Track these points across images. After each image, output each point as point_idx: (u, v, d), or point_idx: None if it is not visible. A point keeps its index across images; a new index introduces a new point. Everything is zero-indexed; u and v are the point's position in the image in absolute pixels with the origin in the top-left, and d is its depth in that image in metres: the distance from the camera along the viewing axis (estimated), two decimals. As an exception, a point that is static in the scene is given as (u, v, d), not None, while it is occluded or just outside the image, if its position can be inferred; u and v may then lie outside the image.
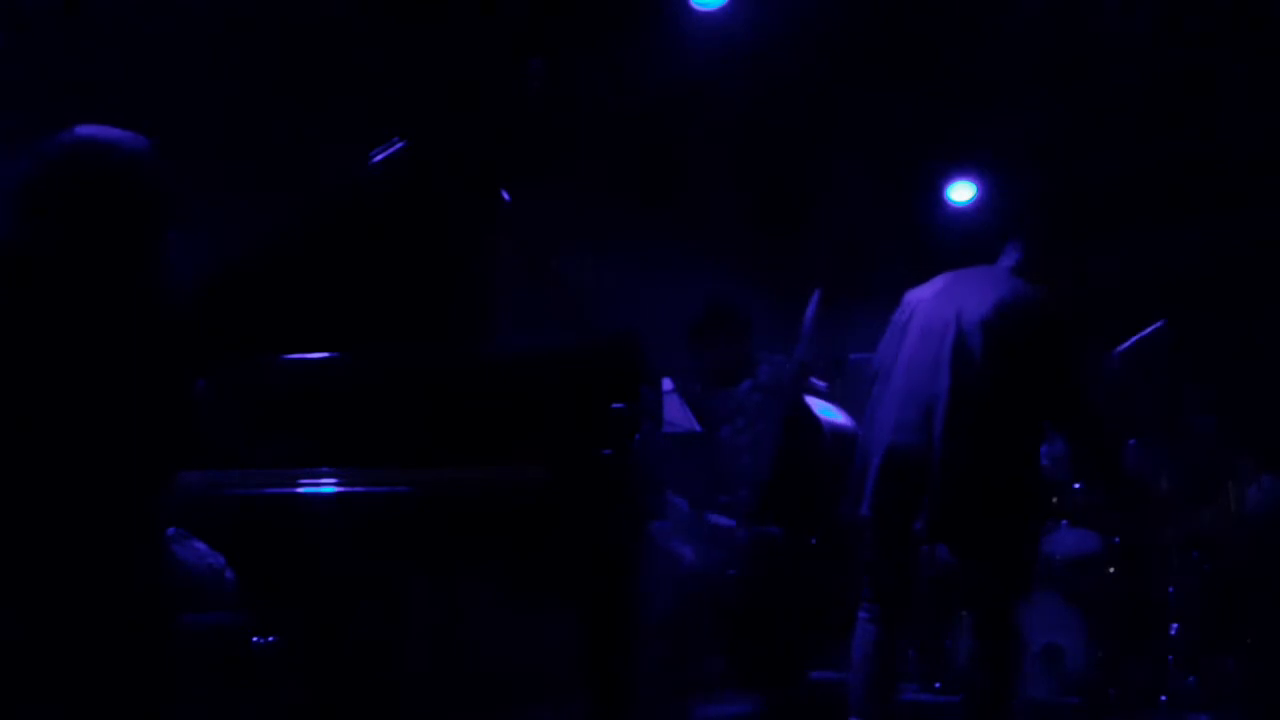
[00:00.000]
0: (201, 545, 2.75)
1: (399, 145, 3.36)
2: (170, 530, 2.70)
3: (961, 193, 7.11)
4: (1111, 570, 5.55)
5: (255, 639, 2.74)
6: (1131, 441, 5.66)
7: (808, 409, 5.29)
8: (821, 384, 5.04)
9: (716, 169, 6.73)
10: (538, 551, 3.06)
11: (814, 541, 4.88)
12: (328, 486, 3.01)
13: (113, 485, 2.34)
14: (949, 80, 6.22)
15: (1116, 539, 5.60)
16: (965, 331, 3.78)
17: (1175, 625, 5.21)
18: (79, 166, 2.46)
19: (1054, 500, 5.67)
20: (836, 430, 4.88)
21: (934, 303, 3.96)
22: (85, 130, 2.51)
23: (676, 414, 4.55)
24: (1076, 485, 5.76)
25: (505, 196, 3.39)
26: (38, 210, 2.42)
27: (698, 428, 4.63)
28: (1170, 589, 5.29)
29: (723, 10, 5.70)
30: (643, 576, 3.09)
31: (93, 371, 2.34)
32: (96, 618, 2.28)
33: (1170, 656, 5.18)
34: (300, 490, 3.01)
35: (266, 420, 3.07)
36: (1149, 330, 5.27)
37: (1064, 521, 5.71)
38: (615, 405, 2.95)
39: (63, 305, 2.37)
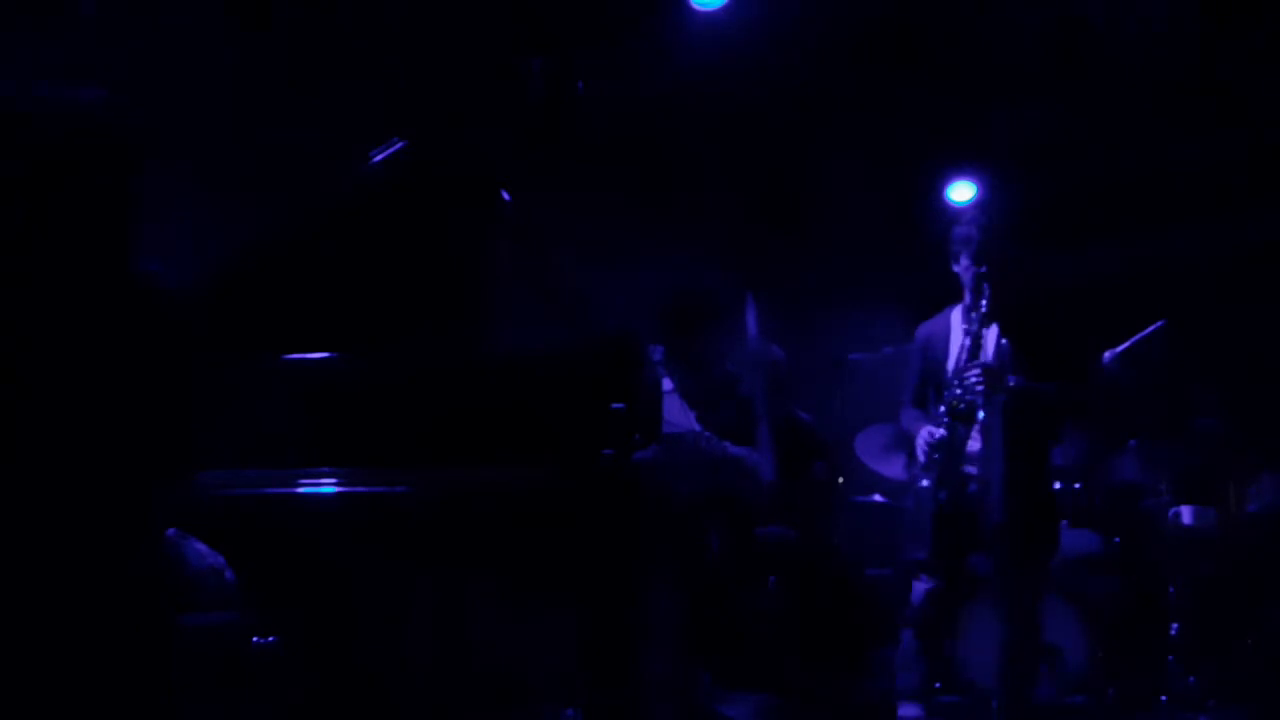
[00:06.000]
0: (201, 545, 2.74)
1: (399, 145, 3.36)
2: (170, 530, 2.69)
3: (961, 193, 7.10)
4: (1111, 570, 5.55)
5: (255, 639, 2.74)
6: (1132, 442, 5.66)
7: (794, 411, 5.29)
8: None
9: (716, 169, 6.73)
10: (538, 551, 3.07)
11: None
12: (328, 486, 3.02)
13: (112, 485, 2.34)
14: (949, 80, 6.21)
15: (1116, 539, 5.60)
16: None
17: (1175, 625, 5.21)
18: (27, 141, 2.38)
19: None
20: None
21: None
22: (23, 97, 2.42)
23: (676, 414, 4.55)
24: (1077, 485, 5.76)
25: (505, 196, 3.39)
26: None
27: (697, 427, 4.63)
28: (1170, 589, 5.28)
29: (723, 10, 5.70)
30: (647, 575, 3.10)
31: (91, 370, 2.34)
32: (96, 618, 2.28)
33: (1170, 656, 5.18)
34: (300, 490, 3.02)
35: (266, 420, 3.07)
36: (1149, 330, 5.27)
37: (1064, 521, 5.71)
38: (615, 405, 2.96)
39: (50, 296, 2.36)
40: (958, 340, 4.42)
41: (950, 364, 4.39)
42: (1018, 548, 4.29)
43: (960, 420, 4.25)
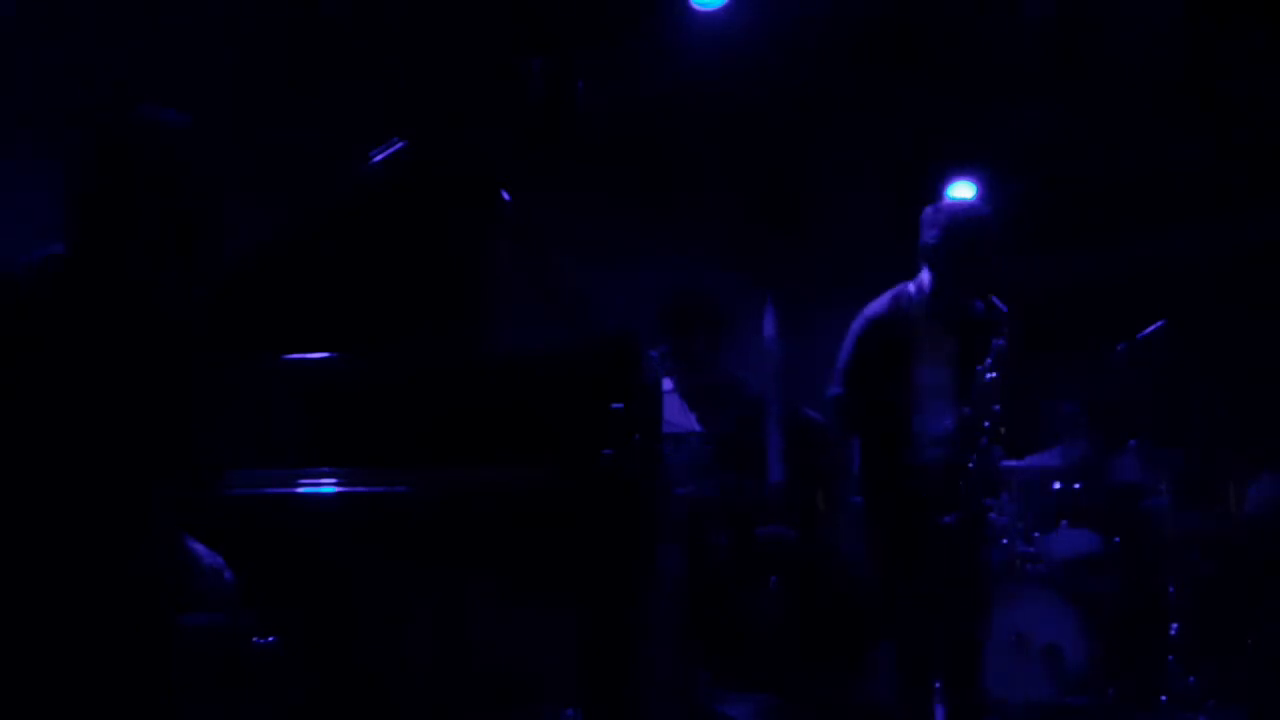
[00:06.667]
0: (201, 545, 2.74)
1: (399, 145, 3.36)
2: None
3: (961, 193, 7.10)
4: (1111, 570, 5.56)
5: (255, 639, 2.74)
6: (1132, 442, 5.66)
7: (802, 411, 5.30)
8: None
9: (716, 169, 6.73)
10: (538, 552, 3.06)
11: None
12: (328, 486, 3.01)
13: (112, 485, 2.34)
14: (949, 80, 6.21)
15: (1116, 539, 5.60)
16: None
17: (1175, 625, 5.21)
18: (125, 167, 2.42)
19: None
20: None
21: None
22: (128, 118, 2.47)
23: (676, 414, 4.55)
24: (1077, 485, 5.77)
25: (505, 196, 3.39)
26: (82, 215, 2.40)
27: (697, 428, 4.64)
28: (1170, 589, 5.29)
29: (723, 10, 5.70)
30: (647, 575, 3.09)
31: (92, 370, 2.34)
32: (96, 618, 2.28)
33: (1170, 656, 5.18)
34: (300, 490, 3.02)
35: (266, 420, 3.07)
36: (1149, 330, 5.27)
37: (1064, 521, 5.72)
38: (615, 405, 2.95)
39: (51, 295, 2.36)
40: (930, 332, 4.22)
41: (925, 364, 4.24)
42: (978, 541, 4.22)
43: (999, 443, 4.12)
